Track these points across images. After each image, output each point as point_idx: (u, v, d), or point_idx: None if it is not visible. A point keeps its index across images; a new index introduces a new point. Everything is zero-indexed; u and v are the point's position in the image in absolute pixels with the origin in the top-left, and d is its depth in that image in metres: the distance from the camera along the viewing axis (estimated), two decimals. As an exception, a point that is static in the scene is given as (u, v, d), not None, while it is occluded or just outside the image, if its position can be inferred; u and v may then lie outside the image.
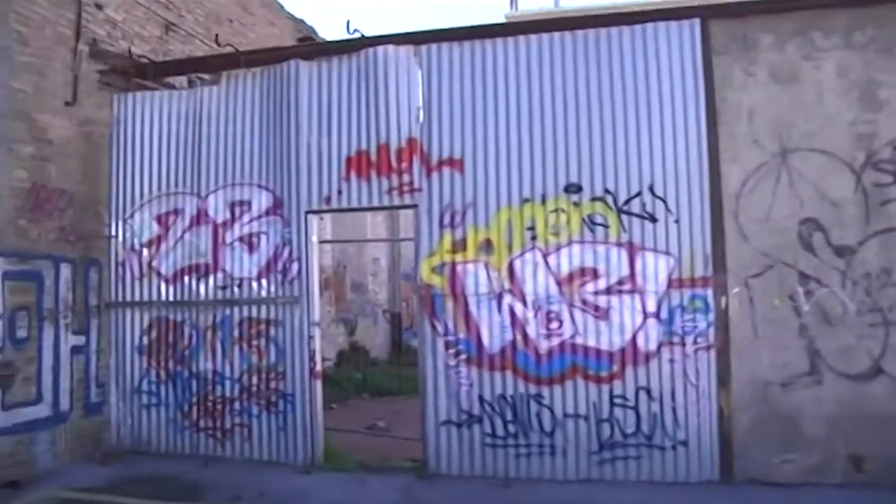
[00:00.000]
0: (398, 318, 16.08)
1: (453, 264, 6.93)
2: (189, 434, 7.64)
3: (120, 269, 7.93)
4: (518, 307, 6.77)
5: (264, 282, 7.49)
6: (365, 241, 14.18)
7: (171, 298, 7.78)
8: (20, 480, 6.60)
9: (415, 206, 7.10)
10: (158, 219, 7.89)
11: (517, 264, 6.79)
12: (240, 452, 7.44)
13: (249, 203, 7.59)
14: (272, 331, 7.41)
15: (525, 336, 6.73)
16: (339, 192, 7.28)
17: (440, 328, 6.92)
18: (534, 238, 6.76)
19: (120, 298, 7.91)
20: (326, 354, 7.13)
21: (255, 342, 7.46)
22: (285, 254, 7.41)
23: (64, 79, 7.44)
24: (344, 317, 14.21)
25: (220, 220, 7.68)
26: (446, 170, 7.01)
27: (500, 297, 6.81)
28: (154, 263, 7.85)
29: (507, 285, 6.80)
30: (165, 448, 7.67)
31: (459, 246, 6.91)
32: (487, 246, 6.85)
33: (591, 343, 6.57)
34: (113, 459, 7.44)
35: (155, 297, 7.82)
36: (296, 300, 7.34)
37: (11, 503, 6.12)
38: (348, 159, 7.27)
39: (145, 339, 7.80)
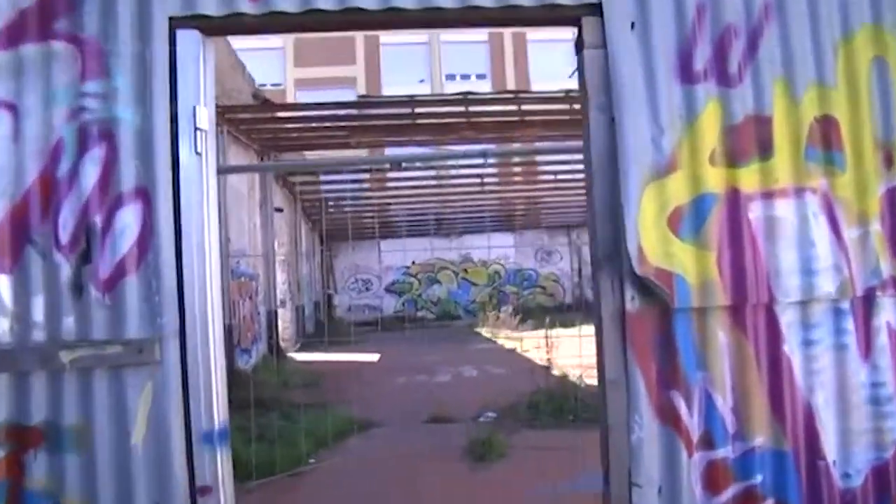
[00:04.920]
0: (228, 334, 10.86)
1: (734, 201, 2.09)
2: None
3: None
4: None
5: (6, 286, 2.00)
6: (347, 164, 8.17)
7: None
8: None
9: (592, 10, 2.10)
10: None
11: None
12: None
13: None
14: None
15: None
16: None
17: (690, 410, 2.04)
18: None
19: None
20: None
21: None
22: (85, 174, 2.00)
23: None
24: None
25: None
26: None
27: (868, 305, 2.13)
28: None
29: None
30: None
31: (745, 142, 2.10)
32: (835, 144, 2.14)
33: None
34: None
35: None
36: (139, 348, 1.96)
37: None
38: None
39: None
